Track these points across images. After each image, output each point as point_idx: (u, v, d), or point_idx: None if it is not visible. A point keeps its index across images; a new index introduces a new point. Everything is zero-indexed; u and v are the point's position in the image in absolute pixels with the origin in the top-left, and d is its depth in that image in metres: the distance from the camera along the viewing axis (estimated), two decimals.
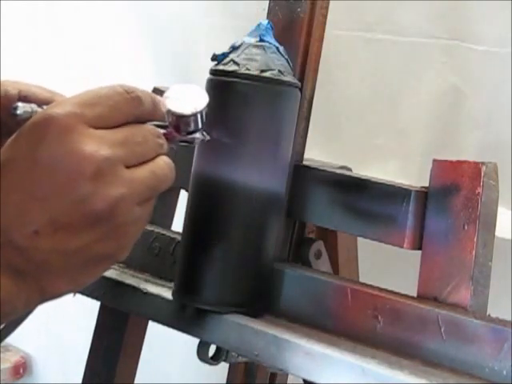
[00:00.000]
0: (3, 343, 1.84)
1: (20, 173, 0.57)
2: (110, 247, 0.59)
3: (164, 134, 0.63)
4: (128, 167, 0.59)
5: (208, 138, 0.67)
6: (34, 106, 0.60)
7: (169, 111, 0.64)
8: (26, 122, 0.58)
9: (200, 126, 0.65)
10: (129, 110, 0.60)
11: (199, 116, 0.64)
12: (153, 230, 0.86)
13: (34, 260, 0.57)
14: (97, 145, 0.57)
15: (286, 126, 0.74)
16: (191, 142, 0.66)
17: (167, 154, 0.62)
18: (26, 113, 0.59)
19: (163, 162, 0.61)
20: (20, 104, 0.60)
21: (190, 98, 0.64)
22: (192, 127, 0.65)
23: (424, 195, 0.71)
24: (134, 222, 0.60)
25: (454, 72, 1.06)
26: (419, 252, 0.71)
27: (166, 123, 0.64)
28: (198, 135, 0.65)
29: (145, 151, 0.60)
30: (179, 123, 0.64)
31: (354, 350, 0.67)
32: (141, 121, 0.61)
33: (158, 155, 0.61)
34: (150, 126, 0.62)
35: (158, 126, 0.63)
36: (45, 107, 0.59)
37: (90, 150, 0.56)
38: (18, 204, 0.57)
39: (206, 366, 0.76)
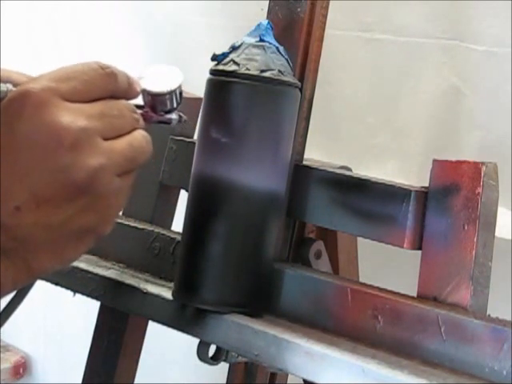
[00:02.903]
0: (3, 343, 1.84)
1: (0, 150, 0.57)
2: (92, 220, 0.60)
3: (141, 115, 0.63)
4: (105, 139, 0.59)
5: (185, 118, 0.68)
6: (9, 86, 0.60)
7: (144, 91, 0.64)
8: (1, 102, 0.58)
9: (175, 105, 0.65)
10: (104, 85, 0.60)
11: (174, 95, 0.64)
12: (153, 230, 0.86)
13: (17, 237, 0.58)
14: (73, 116, 0.57)
15: (286, 126, 0.74)
16: (168, 122, 0.66)
17: (144, 130, 0.63)
18: (2, 92, 0.59)
19: (140, 135, 0.62)
20: None
21: (164, 77, 0.65)
22: (168, 106, 0.65)
23: (424, 195, 0.71)
24: (115, 193, 0.60)
25: (453, 72, 1.06)
26: (419, 252, 0.71)
27: (143, 104, 0.64)
28: (174, 116, 0.66)
29: (121, 124, 0.61)
30: (155, 103, 0.65)
31: (354, 350, 0.67)
32: (116, 98, 0.61)
33: (134, 129, 0.61)
34: (125, 102, 0.62)
35: (135, 107, 0.63)
36: None
37: (66, 121, 0.57)
38: None
39: (206, 366, 0.76)
